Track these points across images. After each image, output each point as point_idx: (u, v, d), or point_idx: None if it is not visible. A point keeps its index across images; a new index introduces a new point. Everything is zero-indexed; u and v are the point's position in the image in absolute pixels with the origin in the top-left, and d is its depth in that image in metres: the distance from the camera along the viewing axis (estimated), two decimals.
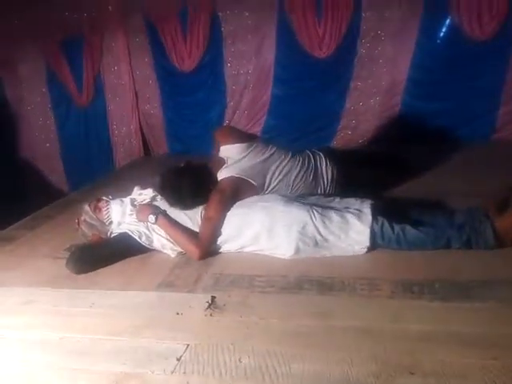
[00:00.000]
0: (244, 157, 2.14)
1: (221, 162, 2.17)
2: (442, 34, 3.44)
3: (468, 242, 1.74)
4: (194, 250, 1.88)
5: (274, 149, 2.21)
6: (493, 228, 1.71)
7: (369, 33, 3.54)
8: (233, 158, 2.15)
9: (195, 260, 1.88)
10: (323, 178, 2.24)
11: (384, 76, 3.61)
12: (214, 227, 1.90)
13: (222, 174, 2.11)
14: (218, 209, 1.93)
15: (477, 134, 3.40)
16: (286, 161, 2.19)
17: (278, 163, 2.17)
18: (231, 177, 2.07)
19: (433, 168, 2.71)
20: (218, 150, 2.24)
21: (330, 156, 2.29)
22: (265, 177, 2.12)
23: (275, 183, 2.14)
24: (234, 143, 2.18)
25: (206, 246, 1.89)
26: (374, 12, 3.48)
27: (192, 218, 1.96)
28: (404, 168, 2.54)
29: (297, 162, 2.21)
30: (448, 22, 3.38)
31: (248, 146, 2.16)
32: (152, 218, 1.93)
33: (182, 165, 2.10)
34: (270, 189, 2.14)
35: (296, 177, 2.18)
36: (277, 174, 2.15)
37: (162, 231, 1.94)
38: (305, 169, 2.21)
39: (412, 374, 1.15)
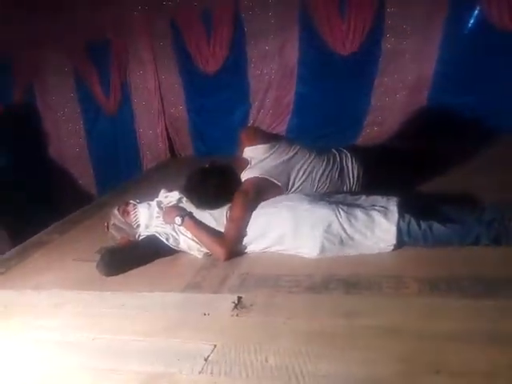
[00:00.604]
0: (267, 157, 2.14)
1: (244, 163, 2.18)
2: (469, 26, 3.33)
3: (497, 239, 1.70)
4: (219, 251, 1.89)
5: (297, 148, 2.20)
6: None
7: (394, 28, 3.46)
8: (256, 159, 2.16)
9: (221, 261, 1.90)
10: (349, 177, 2.22)
11: (410, 71, 3.53)
12: (238, 228, 1.92)
13: (245, 175, 2.12)
14: (243, 209, 1.94)
15: (507, 127, 3.29)
16: (310, 160, 2.18)
17: (302, 162, 2.16)
18: (255, 177, 2.08)
19: (461, 163, 2.64)
20: (242, 151, 2.26)
21: (356, 154, 2.27)
22: (289, 176, 2.12)
23: (299, 182, 2.13)
24: (257, 144, 2.19)
25: (232, 247, 1.90)
26: (399, 7, 3.41)
27: (218, 219, 1.98)
28: (431, 164, 2.48)
29: (322, 161, 2.19)
30: (476, 12, 3.28)
31: (271, 146, 2.17)
32: (178, 219, 1.95)
33: (207, 166, 2.13)
34: (294, 188, 2.13)
35: (321, 175, 2.16)
36: (301, 173, 2.14)
37: (189, 233, 1.97)
38: (330, 167, 2.19)
39: (438, 373, 1.13)
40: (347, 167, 2.23)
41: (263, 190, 2.04)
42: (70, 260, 2.13)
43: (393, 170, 2.17)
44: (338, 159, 2.24)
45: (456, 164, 2.61)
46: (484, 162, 2.69)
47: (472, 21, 3.32)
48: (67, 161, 4.52)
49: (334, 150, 2.30)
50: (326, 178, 2.17)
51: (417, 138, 3.41)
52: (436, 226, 1.75)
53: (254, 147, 2.19)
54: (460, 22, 3.35)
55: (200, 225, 1.96)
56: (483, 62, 3.30)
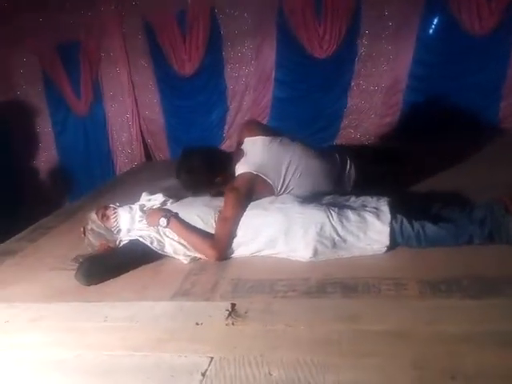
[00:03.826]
0: (264, 150, 2.08)
1: (240, 155, 2.12)
2: (442, 30, 3.41)
3: (490, 236, 1.68)
4: (210, 252, 1.81)
5: (297, 145, 2.14)
6: None
7: (369, 31, 3.50)
8: (253, 151, 2.09)
9: (212, 262, 1.81)
10: (347, 178, 2.17)
11: (385, 73, 3.58)
12: (230, 227, 1.84)
13: (239, 168, 2.05)
14: (234, 207, 1.88)
15: (480, 127, 3.36)
16: (309, 158, 2.11)
17: (300, 159, 2.09)
18: (247, 173, 2.01)
19: (442, 163, 2.65)
20: (242, 142, 2.20)
21: (350, 153, 2.24)
22: (283, 173, 2.05)
23: (296, 179, 2.06)
24: (257, 135, 2.14)
25: (223, 247, 1.82)
26: (374, 10, 3.46)
27: (205, 220, 1.90)
28: (406, 164, 2.48)
29: (321, 161, 2.13)
30: (448, 17, 3.35)
31: (271, 139, 2.11)
32: (163, 220, 1.86)
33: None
34: (289, 185, 2.06)
35: (319, 175, 2.10)
36: (298, 170, 2.07)
37: (175, 235, 1.87)
38: (329, 167, 2.14)
39: (453, 378, 1.08)
40: (345, 169, 2.18)
41: (255, 187, 1.99)
42: (45, 269, 1.99)
43: (381, 169, 2.15)
44: (339, 160, 2.19)
45: (437, 163, 2.62)
46: (462, 160, 2.71)
47: (444, 25, 3.40)
48: (37, 165, 4.33)
49: (334, 151, 2.27)
50: (325, 178, 2.11)
51: (393, 139, 3.48)
52: (429, 225, 1.72)
53: (253, 138, 2.14)
54: (433, 27, 3.43)
55: (187, 225, 1.88)
56: (456, 64, 3.38)
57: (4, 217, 3.20)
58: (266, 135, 2.14)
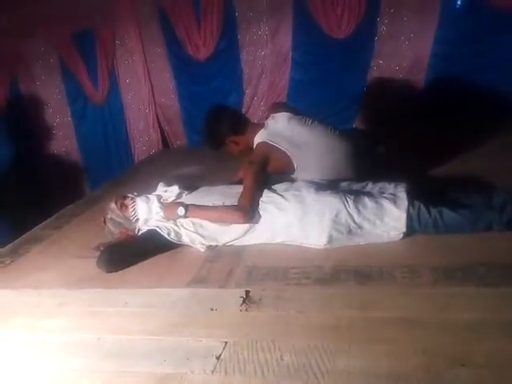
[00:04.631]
0: (284, 123, 2.15)
1: (261, 125, 2.21)
2: (465, 6, 3.28)
3: (509, 223, 1.65)
4: (237, 214, 1.86)
5: (320, 124, 2.17)
6: None
7: (389, 9, 3.40)
8: (273, 124, 2.17)
9: (241, 222, 1.86)
10: (365, 165, 2.15)
11: (406, 53, 3.47)
12: (251, 193, 1.91)
13: (256, 139, 2.13)
14: (252, 178, 1.95)
15: (504, 108, 3.25)
16: (331, 138, 2.13)
17: (320, 137, 2.11)
18: (260, 143, 2.09)
19: (464, 146, 2.60)
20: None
21: (369, 140, 2.24)
22: (301, 146, 2.07)
23: (316, 155, 2.08)
24: (281, 112, 2.22)
25: (248, 209, 1.87)
26: None
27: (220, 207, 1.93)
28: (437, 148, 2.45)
29: (343, 141, 2.13)
30: None
31: (293, 116, 2.17)
32: (182, 209, 1.90)
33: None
34: (309, 160, 2.07)
35: (340, 156, 2.10)
36: (320, 147, 2.09)
37: (191, 226, 1.90)
38: (351, 148, 2.12)
39: (463, 365, 1.09)
40: (363, 152, 2.16)
41: (269, 156, 2.04)
42: (69, 257, 2.05)
43: (399, 155, 2.13)
44: (360, 143, 2.18)
45: (459, 147, 2.56)
46: (485, 143, 2.65)
47: (468, 1, 3.26)
48: (57, 154, 4.41)
49: (356, 134, 2.31)
50: (346, 160, 2.10)
51: (414, 120, 3.40)
52: (446, 212, 1.70)
53: (276, 114, 2.22)
54: (456, 2, 3.29)
55: (206, 207, 1.93)
56: (480, 41, 3.24)
57: (29, 205, 3.31)
58: (289, 112, 2.20)
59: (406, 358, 1.14)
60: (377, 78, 3.60)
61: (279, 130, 2.12)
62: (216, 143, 2.26)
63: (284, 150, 2.05)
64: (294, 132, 2.11)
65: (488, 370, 1.06)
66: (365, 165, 2.14)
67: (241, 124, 2.22)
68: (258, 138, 2.12)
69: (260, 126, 2.22)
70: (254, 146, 2.13)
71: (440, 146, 2.48)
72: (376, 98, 3.66)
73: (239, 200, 1.89)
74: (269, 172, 2.05)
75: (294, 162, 2.06)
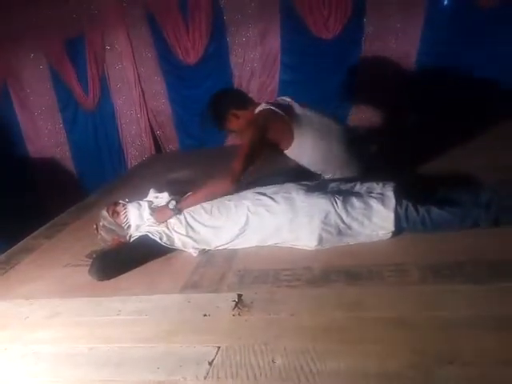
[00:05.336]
0: (290, 101, 2.18)
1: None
2: (450, 4, 3.31)
3: (496, 220, 1.68)
4: (224, 181, 1.92)
5: (321, 113, 2.20)
6: None
7: (375, 9, 3.43)
8: (278, 101, 2.20)
9: (229, 190, 1.92)
10: (360, 161, 2.19)
11: (394, 51, 3.50)
12: (246, 156, 1.94)
13: (259, 108, 2.16)
14: (251, 138, 1.98)
15: (493, 106, 3.27)
16: (331, 125, 2.16)
17: (320, 121, 2.14)
18: (264, 109, 2.11)
19: (452, 142, 2.62)
20: None
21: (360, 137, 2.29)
22: (301, 120, 2.10)
23: (312, 133, 2.10)
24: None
25: (237, 173, 1.91)
26: None
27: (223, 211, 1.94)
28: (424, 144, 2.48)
29: (341, 132, 2.18)
30: None
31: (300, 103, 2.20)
32: (173, 203, 1.94)
33: None
34: (306, 134, 2.09)
35: (337, 142, 2.13)
36: (319, 129, 2.11)
37: (183, 229, 1.91)
38: (346, 141, 2.16)
39: (452, 363, 1.10)
40: (361, 152, 2.21)
41: (269, 121, 2.06)
42: (61, 266, 2.05)
43: (388, 154, 2.15)
44: (354, 142, 2.21)
45: (447, 143, 2.59)
46: (473, 139, 2.67)
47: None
48: (49, 162, 4.40)
49: (350, 132, 2.31)
50: (341, 146, 2.13)
51: (404, 116, 3.43)
52: (434, 210, 1.72)
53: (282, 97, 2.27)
54: (442, 1, 3.32)
55: (194, 194, 1.98)
56: (466, 37, 3.27)
57: (20, 215, 3.29)
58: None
59: (396, 358, 1.15)
60: (365, 76, 3.62)
61: (283, 104, 2.16)
62: (218, 116, 2.23)
63: (286, 117, 2.07)
64: (298, 108, 2.14)
65: (477, 368, 1.08)
66: (357, 162, 2.17)
67: (244, 99, 2.24)
68: (260, 108, 2.15)
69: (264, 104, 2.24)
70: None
71: (428, 143, 2.50)
72: (365, 97, 3.68)
73: (233, 162, 1.92)
74: (267, 139, 2.05)
75: (294, 134, 2.08)
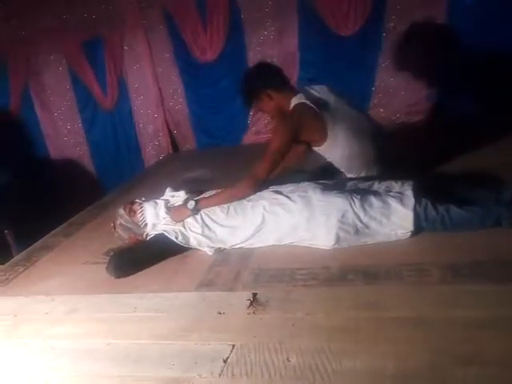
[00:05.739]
0: (325, 92, 2.11)
1: (300, 90, 2.12)
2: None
3: None
4: (246, 184, 1.90)
5: (355, 110, 2.15)
6: None
7: (396, 5, 3.37)
8: (313, 91, 2.11)
9: (250, 192, 1.89)
10: (381, 160, 2.14)
11: (414, 47, 3.43)
12: (274, 159, 1.91)
13: (295, 99, 2.05)
14: (282, 139, 1.93)
15: None
16: (362, 123, 2.11)
17: (351, 118, 2.07)
18: (301, 103, 2.01)
19: (474, 141, 2.56)
20: None
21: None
22: (335, 116, 2.03)
23: (344, 131, 2.04)
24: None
25: (261, 177, 1.89)
26: None
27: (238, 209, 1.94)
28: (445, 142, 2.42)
29: (370, 130, 2.13)
30: None
31: (332, 90, 2.14)
32: (192, 203, 1.93)
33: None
34: (339, 132, 2.03)
35: (368, 140, 2.08)
36: (351, 126, 2.05)
37: (198, 228, 1.91)
38: (375, 136, 2.12)
39: (470, 364, 1.07)
40: (386, 150, 2.15)
41: (303, 121, 1.99)
42: (79, 263, 2.08)
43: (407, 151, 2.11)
44: (383, 141, 2.16)
45: (469, 142, 2.53)
46: (498, 138, 2.60)
47: None
48: (68, 161, 4.48)
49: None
50: (371, 144, 2.09)
51: (424, 116, 3.37)
52: (454, 209, 1.69)
53: (315, 86, 2.17)
54: None
55: (213, 195, 1.96)
56: (489, 30, 3.18)
57: (40, 213, 3.36)
58: None
59: (414, 358, 1.13)
60: (386, 74, 3.57)
61: (317, 97, 2.07)
62: (251, 91, 2.13)
63: (321, 114, 2.00)
64: (334, 100, 2.07)
65: (497, 368, 1.05)
66: (382, 161, 2.13)
67: (283, 82, 2.13)
68: (296, 100, 2.04)
69: (299, 91, 2.13)
70: (291, 107, 2.05)
71: (449, 142, 2.45)
72: (385, 95, 3.64)
73: (260, 162, 1.89)
74: (299, 139, 2.00)
75: (328, 132, 2.01)
